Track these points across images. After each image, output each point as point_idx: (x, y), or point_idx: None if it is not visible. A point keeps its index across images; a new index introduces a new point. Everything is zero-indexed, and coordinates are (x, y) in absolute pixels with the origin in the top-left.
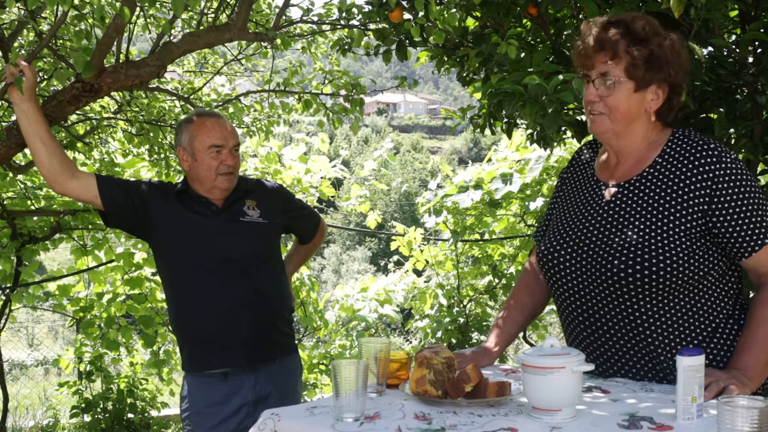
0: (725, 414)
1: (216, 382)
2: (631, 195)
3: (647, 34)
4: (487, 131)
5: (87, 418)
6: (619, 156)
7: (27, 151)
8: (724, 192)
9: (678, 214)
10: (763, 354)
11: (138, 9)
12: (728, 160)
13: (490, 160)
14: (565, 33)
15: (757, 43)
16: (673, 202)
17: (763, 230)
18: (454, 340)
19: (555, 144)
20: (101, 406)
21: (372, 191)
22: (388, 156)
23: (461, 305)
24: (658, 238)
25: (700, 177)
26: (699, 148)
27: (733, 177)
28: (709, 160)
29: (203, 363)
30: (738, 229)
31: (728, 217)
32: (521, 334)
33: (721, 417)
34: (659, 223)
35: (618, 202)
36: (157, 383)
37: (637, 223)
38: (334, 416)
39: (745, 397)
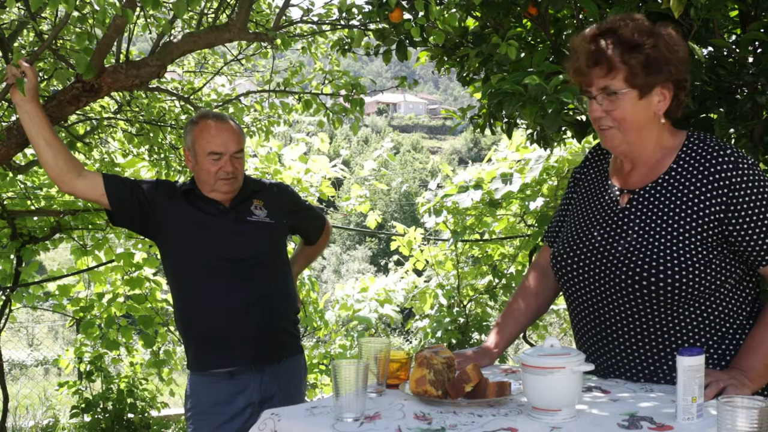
0: (725, 414)
1: (221, 382)
2: (645, 203)
3: (639, 38)
4: (487, 131)
5: (87, 418)
6: (634, 162)
7: (27, 151)
8: (740, 199)
9: (694, 223)
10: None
11: (138, 9)
12: (745, 165)
13: (490, 160)
14: (565, 33)
15: (757, 43)
16: (689, 211)
17: None
18: (454, 340)
19: (555, 144)
20: (101, 406)
21: (372, 191)
22: (388, 156)
23: (461, 305)
24: (674, 247)
25: (716, 184)
26: (715, 153)
27: (750, 183)
28: (725, 166)
29: (209, 362)
30: (755, 237)
31: (745, 225)
32: (521, 334)
33: (721, 417)
34: (675, 233)
35: (633, 209)
36: (157, 383)
37: (652, 232)
38: (334, 416)
39: (745, 397)
